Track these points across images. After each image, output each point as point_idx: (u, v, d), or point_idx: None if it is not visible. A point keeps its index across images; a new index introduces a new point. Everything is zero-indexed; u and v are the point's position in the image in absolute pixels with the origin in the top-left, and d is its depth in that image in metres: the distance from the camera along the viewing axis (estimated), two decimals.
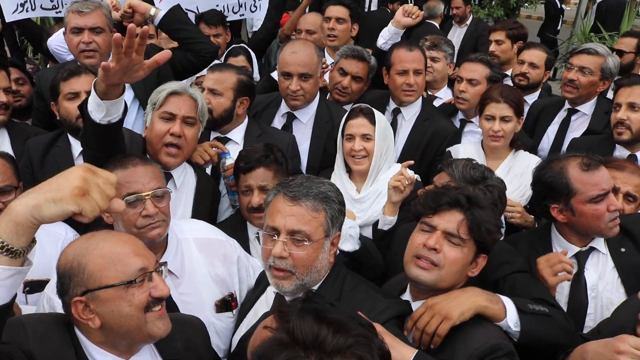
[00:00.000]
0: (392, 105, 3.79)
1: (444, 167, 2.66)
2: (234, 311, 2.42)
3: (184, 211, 2.83)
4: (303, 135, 3.54)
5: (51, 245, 2.46)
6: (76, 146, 3.07)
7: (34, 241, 1.39)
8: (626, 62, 5.01)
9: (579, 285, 2.47)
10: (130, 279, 1.69)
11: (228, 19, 4.96)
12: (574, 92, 3.96)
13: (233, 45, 4.69)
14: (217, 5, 4.84)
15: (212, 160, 3.05)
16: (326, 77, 4.16)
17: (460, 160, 2.63)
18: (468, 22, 7.17)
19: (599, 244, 2.50)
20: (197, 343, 1.99)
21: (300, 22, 4.75)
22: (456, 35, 7.00)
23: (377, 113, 3.10)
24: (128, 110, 2.62)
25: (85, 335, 1.74)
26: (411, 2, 6.75)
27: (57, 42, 4.26)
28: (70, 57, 4.23)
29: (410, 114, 3.75)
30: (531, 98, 4.49)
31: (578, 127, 4.00)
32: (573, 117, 4.05)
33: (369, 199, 3.06)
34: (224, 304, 2.41)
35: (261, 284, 2.33)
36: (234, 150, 3.09)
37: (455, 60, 4.70)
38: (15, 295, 1.43)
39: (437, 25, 6.58)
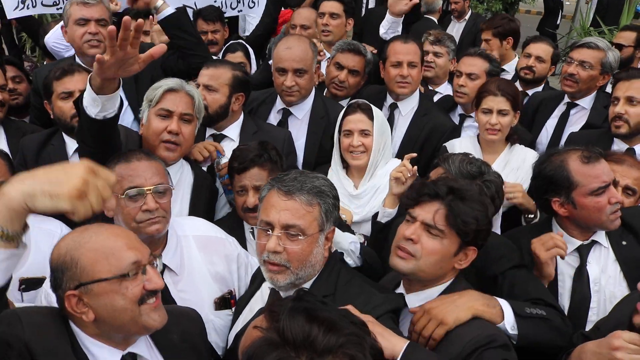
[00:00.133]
0: (389, 100, 3.78)
1: (440, 162, 2.64)
2: (234, 309, 2.41)
3: (181, 208, 2.83)
4: (299, 131, 3.53)
5: (46, 243, 2.43)
6: (71, 144, 3.07)
7: (27, 225, 1.39)
8: (625, 56, 5.00)
9: (581, 278, 2.47)
10: (123, 273, 1.69)
11: (226, 15, 4.95)
12: (573, 86, 3.95)
13: (231, 42, 4.68)
14: (215, 2, 4.82)
15: (211, 157, 3.04)
16: (324, 69, 4.14)
17: (457, 155, 2.61)
18: (467, 17, 7.13)
19: (601, 237, 2.50)
20: (193, 334, 1.99)
21: (295, 17, 4.74)
22: (455, 30, 6.96)
23: (374, 109, 3.09)
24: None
25: (80, 328, 1.74)
26: None
27: (54, 38, 4.26)
28: (69, 54, 4.23)
29: (407, 109, 3.74)
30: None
31: (577, 121, 3.99)
32: (572, 111, 4.04)
33: (367, 194, 3.05)
34: (223, 302, 2.41)
35: (256, 280, 2.32)
36: (229, 148, 3.07)
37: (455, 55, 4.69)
38: (11, 278, 1.44)
39: (436, 20, 6.54)
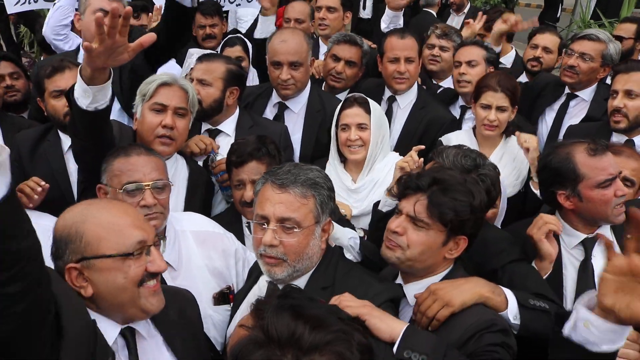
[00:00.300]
0: (387, 93, 3.76)
1: (434, 155, 2.62)
2: (232, 304, 2.41)
3: (176, 203, 2.80)
4: (295, 125, 3.51)
5: (42, 239, 2.43)
6: (66, 141, 3.04)
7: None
8: (625, 48, 4.95)
9: (586, 272, 2.45)
10: (128, 251, 1.68)
11: (224, 9, 4.93)
12: (574, 77, 3.92)
13: (229, 36, 4.65)
14: None
15: (206, 152, 3.02)
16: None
17: (452, 149, 2.59)
18: (465, 10, 7.12)
19: (605, 230, 2.49)
20: (188, 312, 2.00)
21: (289, 10, 4.69)
22: (454, 23, 6.92)
23: (371, 102, 3.08)
24: None
25: None
26: None
27: (54, 32, 4.23)
28: (68, 46, 4.21)
29: (405, 102, 3.72)
30: None
31: (577, 114, 3.96)
32: (572, 103, 4.00)
33: (366, 188, 3.05)
34: (222, 297, 2.41)
35: (253, 274, 2.32)
36: (225, 143, 3.06)
37: None
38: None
39: (435, 13, 6.52)
